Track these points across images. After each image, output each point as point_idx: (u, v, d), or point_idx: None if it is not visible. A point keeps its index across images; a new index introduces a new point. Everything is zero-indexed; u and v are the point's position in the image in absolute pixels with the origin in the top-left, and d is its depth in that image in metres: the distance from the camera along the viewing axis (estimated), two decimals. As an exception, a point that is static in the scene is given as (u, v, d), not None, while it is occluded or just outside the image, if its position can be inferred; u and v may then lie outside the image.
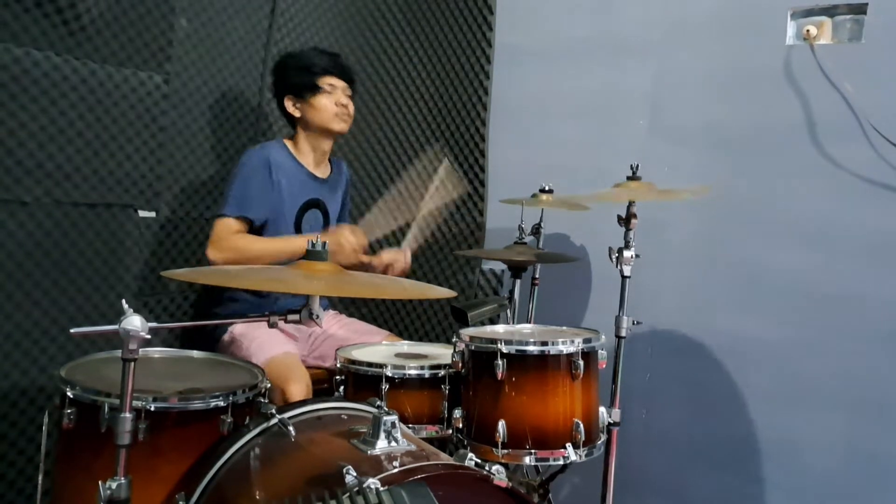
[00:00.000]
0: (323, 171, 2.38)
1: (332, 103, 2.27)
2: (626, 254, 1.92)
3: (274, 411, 1.48)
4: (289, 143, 2.33)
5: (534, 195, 2.39)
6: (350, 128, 2.36)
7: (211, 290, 2.36)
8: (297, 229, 2.31)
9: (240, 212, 2.16)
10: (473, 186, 2.82)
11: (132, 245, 2.22)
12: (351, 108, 2.32)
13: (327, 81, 2.27)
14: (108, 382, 1.43)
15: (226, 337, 2.21)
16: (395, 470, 1.23)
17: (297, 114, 2.29)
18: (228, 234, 2.14)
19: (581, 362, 1.76)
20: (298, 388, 1.97)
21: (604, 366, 1.87)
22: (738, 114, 2.32)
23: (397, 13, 2.96)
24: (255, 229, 2.23)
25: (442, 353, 2.09)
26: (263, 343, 2.10)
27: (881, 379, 2.08)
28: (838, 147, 2.16)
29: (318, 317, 1.42)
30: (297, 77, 2.27)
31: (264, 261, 2.08)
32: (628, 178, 2.00)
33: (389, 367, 1.86)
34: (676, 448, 2.40)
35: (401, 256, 2.39)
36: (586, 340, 1.80)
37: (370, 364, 1.89)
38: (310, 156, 2.33)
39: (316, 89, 2.26)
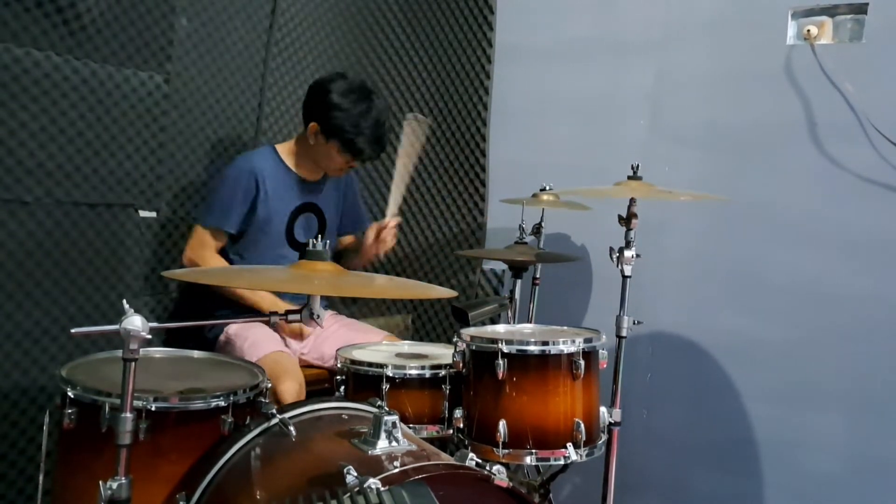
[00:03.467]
0: (316, 175, 2.35)
1: (345, 162, 2.24)
2: (627, 253, 1.92)
3: (275, 411, 1.48)
4: (282, 148, 2.31)
5: (534, 195, 2.39)
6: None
7: (208, 290, 2.35)
8: (290, 234, 2.30)
9: (217, 224, 2.21)
10: (474, 186, 2.82)
11: (133, 245, 2.21)
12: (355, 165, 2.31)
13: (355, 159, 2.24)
14: (109, 382, 1.43)
15: (221, 337, 2.21)
16: (396, 470, 1.23)
17: (311, 141, 2.23)
18: (202, 246, 2.22)
19: (582, 362, 1.76)
20: (290, 386, 1.97)
21: (604, 366, 1.87)
22: (739, 114, 2.32)
23: (397, 13, 2.96)
24: (236, 237, 2.25)
25: (442, 353, 2.09)
26: (256, 341, 2.11)
27: (881, 379, 2.08)
28: (838, 147, 2.16)
29: (318, 317, 1.43)
30: (336, 132, 2.17)
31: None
32: (629, 178, 2.00)
33: (390, 367, 1.86)
34: (677, 448, 2.40)
35: (385, 224, 2.33)
36: (587, 340, 1.81)
37: (371, 364, 1.89)
38: (303, 167, 2.32)
39: (340, 150, 2.20)
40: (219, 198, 2.22)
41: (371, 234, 2.36)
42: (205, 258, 2.21)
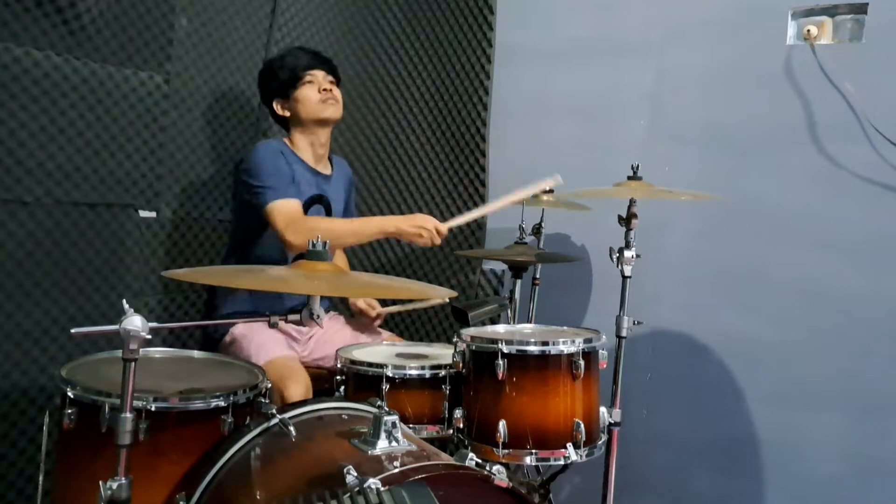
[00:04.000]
0: (324, 168, 2.37)
1: (315, 91, 2.26)
2: (627, 254, 1.92)
3: (274, 411, 1.48)
4: (289, 142, 2.33)
5: (534, 195, 2.39)
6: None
7: (214, 290, 2.36)
8: None
9: (287, 194, 2.12)
10: (474, 186, 2.82)
11: (133, 245, 2.21)
12: (336, 93, 2.30)
13: (307, 74, 2.26)
14: (109, 382, 1.43)
15: (227, 338, 2.21)
16: (396, 470, 1.23)
17: (286, 113, 2.28)
18: (296, 216, 2.09)
19: (582, 362, 1.76)
20: (297, 388, 1.97)
21: (604, 366, 1.87)
22: (739, 114, 2.32)
23: (397, 13, 2.96)
24: (247, 224, 2.23)
25: (442, 353, 2.09)
26: (263, 345, 2.10)
27: (882, 379, 2.08)
28: (838, 147, 2.16)
29: (318, 317, 1.43)
30: (276, 78, 2.27)
31: (346, 240, 2.19)
32: (629, 178, 2.00)
33: (390, 367, 1.86)
34: (677, 448, 2.40)
35: (374, 311, 2.47)
36: (587, 340, 1.81)
37: (371, 364, 1.89)
38: (308, 152, 2.32)
39: (296, 83, 2.25)
40: (271, 174, 2.11)
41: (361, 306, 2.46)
42: (306, 224, 2.08)
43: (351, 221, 2.26)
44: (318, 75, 2.28)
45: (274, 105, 2.30)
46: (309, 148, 2.32)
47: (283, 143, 2.30)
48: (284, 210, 2.07)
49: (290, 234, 2.02)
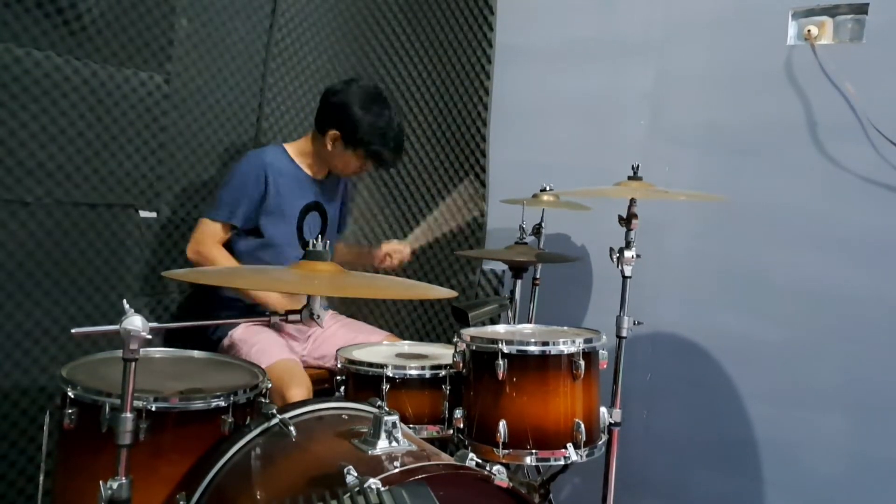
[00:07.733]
0: (321, 174, 2.38)
1: (357, 166, 2.30)
2: (627, 254, 1.92)
3: (275, 411, 1.48)
4: (291, 147, 2.32)
5: (534, 195, 2.39)
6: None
7: (211, 291, 2.36)
8: (299, 231, 2.31)
9: (226, 218, 2.21)
10: (474, 186, 2.82)
11: (133, 245, 2.22)
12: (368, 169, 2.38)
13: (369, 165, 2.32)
14: (109, 382, 1.43)
15: (225, 341, 2.20)
16: (396, 470, 1.23)
17: (328, 146, 2.24)
18: (209, 238, 2.20)
19: (582, 362, 1.76)
20: (299, 392, 1.97)
21: (605, 366, 1.87)
22: (739, 114, 2.32)
23: (397, 13, 2.96)
24: (245, 232, 2.25)
25: (443, 353, 2.09)
26: (264, 348, 2.10)
27: (881, 379, 2.08)
28: (838, 147, 2.16)
29: (318, 317, 1.43)
30: (361, 144, 2.21)
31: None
32: (629, 178, 2.00)
33: (390, 368, 1.86)
34: (677, 448, 2.40)
35: (401, 248, 2.46)
36: (587, 340, 1.81)
37: (371, 364, 1.89)
38: (315, 163, 2.33)
39: (362, 157, 2.25)
40: (228, 192, 2.21)
41: (384, 249, 2.47)
42: (211, 251, 2.19)
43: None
44: (370, 165, 2.33)
45: (330, 131, 2.22)
46: (316, 162, 2.33)
47: (279, 153, 2.30)
48: (205, 230, 2.21)
49: (189, 250, 2.21)
